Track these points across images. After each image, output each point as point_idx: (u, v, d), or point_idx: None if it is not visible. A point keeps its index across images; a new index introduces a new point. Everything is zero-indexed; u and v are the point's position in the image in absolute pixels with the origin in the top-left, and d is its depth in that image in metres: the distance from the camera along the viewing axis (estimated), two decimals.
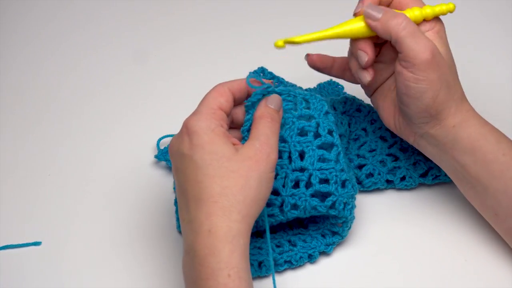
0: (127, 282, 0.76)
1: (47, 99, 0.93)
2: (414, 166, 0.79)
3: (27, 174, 0.85)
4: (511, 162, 0.71)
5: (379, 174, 0.80)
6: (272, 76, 0.89)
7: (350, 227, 0.75)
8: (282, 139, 0.72)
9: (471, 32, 0.97)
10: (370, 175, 0.80)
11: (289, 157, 0.72)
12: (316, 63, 0.79)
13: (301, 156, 0.72)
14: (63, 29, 1.02)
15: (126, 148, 0.87)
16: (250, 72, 0.71)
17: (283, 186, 0.72)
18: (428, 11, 0.72)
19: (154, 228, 0.80)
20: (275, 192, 0.72)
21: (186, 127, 0.67)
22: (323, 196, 0.72)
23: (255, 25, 0.99)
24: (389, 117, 0.76)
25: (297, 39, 0.72)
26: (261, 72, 0.90)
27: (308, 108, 0.73)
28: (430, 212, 0.79)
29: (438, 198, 0.80)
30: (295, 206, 0.72)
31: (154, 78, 0.95)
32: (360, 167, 0.80)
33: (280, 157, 0.72)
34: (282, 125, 0.71)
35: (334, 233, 0.75)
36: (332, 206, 0.72)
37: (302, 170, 0.72)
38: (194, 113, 0.68)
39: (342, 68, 0.79)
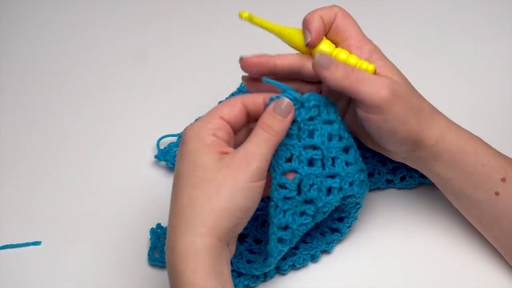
0: (127, 282, 0.76)
1: (47, 99, 0.93)
2: None
3: (27, 174, 0.85)
4: (491, 172, 0.70)
5: (379, 173, 0.80)
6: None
7: (351, 226, 0.75)
8: (314, 147, 0.69)
9: (470, 32, 0.97)
10: (370, 174, 0.80)
11: (322, 164, 0.69)
12: (252, 67, 0.70)
13: (333, 161, 0.70)
14: (63, 29, 1.02)
15: (126, 148, 0.87)
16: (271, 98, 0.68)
17: (319, 195, 0.69)
18: (352, 60, 0.69)
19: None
20: (310, 201, 0.69)
21: (183, 134, 0.65)
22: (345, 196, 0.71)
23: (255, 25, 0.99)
24: (369, 143, 0.75)
25: (255, 19, 0.71)
26: None
27: (327, 112, 0.70)
28: (430, 211, 0.79)
29: (438, 197, 0.80)
30: (325, 213, 0.70)
31: (154, 78, 0.95)
32: None
33: (313, 164, 0.69)
34: (291, 135, 0.68)
35: (334, 230, 0.75)
36: (345, 204, 0.73)
37: (334, 176, 0.69)
38: (195, 121, 0.66)
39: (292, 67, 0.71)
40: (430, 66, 0.93)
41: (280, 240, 0.69)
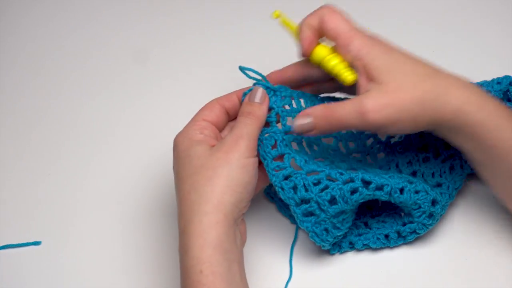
0: (127, 282, 0.76)
1: (47, 99, 0.93)
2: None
3: (27, 174, 0.85)
4: None
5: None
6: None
7: (416, 231, 0.75)
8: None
9: (470, 32, 0.97)
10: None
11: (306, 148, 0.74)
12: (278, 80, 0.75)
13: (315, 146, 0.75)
14: (63, 29, 1.01)
15: (126, 148, 0.87)
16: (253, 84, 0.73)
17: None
18: (332, 64, 0.70)
19: (155, 228, 0.80)
20: (313, 171, 0.71)
21: (174, 141, 0.70)
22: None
23: (255, 25, 0.99)
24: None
25: (282, 19, 0.74)
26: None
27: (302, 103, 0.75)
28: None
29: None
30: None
31: (154, 78, 0.95)
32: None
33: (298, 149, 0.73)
34: (271, 123, 0.71)
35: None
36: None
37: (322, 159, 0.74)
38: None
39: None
40: None
41: (308, 214, 0.71)
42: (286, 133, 0.71)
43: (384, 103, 0.66)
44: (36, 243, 0.79)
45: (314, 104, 0.74)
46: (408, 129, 0.68)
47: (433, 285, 0.75)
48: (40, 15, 1.03)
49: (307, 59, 0.73)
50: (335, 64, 0.70)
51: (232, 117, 0.73)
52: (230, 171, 0.66)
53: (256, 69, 0.92)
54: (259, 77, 0.74)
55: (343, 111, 0.68)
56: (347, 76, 0.69)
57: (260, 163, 0.70)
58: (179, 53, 0.98)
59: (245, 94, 0.72)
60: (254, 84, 0.73)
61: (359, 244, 0.75)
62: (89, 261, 0.78)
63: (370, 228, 0.76)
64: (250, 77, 0.73)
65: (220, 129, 0.72)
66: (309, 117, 0.69)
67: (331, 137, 0.76)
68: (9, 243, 0.79)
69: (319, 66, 0.72)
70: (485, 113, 0.68)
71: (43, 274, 0.77)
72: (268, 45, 0.94)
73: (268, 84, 0.72)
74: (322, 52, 0.71)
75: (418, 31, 0.98)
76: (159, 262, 0.77)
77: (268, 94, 0.72)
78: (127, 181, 0.84)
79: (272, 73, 0.75)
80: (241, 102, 0.72)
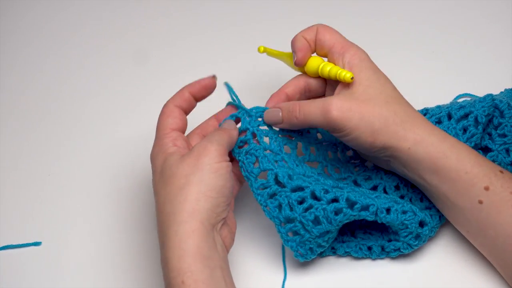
0: (127, 282, 0.76)
1: (47, 99, 0.93)
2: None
3: (27, 174, 0.85)
4: (474, 180, 0.70)
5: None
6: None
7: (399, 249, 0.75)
8: (272, 151, 0.73)
9: (470, 32, 0.97)
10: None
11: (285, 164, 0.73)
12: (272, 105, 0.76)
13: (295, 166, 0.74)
14: (63, 29, 1.02)
15: (126, 149, 0.87)
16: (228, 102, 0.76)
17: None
18: (328, 68, 0.73)
19: (154, 228, 0.80)
20: (298, 188, 0.71)
21: (150, 158, 0.70)
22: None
23: (255, 25, 0.99)
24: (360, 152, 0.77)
25: (268, 50, 0.77)
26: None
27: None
28: None
29: None
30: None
31: (154, 78, 0.95)
32: None
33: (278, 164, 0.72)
34: (249, 140, 0.72)
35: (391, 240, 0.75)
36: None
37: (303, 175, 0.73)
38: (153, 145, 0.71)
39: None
40: (430, 66, 0.93)
41: (293, 233, 0.71)
42: (259, 126, 0.73)
43: (348, 107, 0.70)
44: (36, 243, 0.79)
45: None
46: (365, 143, 0.70)
47: (433, 285, 0.74)
48: (40, 15, 1.03)
49: (301, 73, 0.77)
50: (332, 68, 0.73)
51: (188, 113, 0.73)
52: (202, 177, 0.65)
53: (255, 70, 0.93)
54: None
55: (310, 107, 0.71)
56: (346, 74, 0.71)
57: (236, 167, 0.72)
58: (179, 54, 0.98)
59: (221, 125, 0.74)
60: (228, 104, 0.76)
61: (341, 250, 0.75)
62: (89, 261, 0.78)
63: (355, 237, 0.76)
64: (233, 94, 0.75)
65: (184, 130, 0.72)
66: (279, 110, 0.73)
67: (316, 162, 0.76)
68: (9, 243, 0.79)
69: (314, 74, 0.75)
70: (447, 145, 0.70)
71: (43, 274, 0.77)
72: (268, 45, 0.94)
73: (242, 106, 0.74)
74: (317, 60, 0.75)
75: (418, 31, 0.98)
76: (160, 262, 0.77)
77: (243, 116, 0.74)
78: (128, 182, 0.84)
79: (272, 96, 0.76)
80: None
